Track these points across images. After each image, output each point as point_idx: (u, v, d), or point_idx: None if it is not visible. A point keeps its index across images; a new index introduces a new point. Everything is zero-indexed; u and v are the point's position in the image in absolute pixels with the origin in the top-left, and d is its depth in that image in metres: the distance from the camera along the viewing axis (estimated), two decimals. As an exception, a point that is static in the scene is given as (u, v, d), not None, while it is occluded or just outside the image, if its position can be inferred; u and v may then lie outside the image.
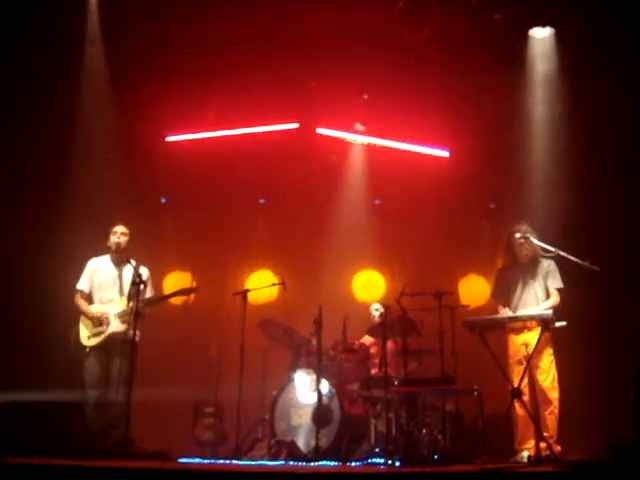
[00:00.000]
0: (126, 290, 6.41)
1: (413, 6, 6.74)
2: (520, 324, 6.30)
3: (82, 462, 4.77)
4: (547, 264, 6.46)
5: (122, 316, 6.32)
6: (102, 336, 6.30)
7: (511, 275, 6.58)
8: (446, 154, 8.36)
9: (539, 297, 6.42)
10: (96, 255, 6.62)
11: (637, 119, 7.14)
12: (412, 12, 6.76)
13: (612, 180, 7.48)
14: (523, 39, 7.41)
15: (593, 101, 7.20)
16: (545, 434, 6.04)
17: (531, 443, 6.21)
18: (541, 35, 7.32)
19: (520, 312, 6.33)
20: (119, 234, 6.50)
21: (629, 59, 6.97)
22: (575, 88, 7.31)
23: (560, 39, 7.28)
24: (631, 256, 7.29)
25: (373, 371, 6.86)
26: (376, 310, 7.25)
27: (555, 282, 6.43)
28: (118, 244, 6.47)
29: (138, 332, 6.05)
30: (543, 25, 7.20)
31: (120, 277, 6.49)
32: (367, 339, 7.10)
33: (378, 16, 7.13)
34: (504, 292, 6.59)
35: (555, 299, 6.38)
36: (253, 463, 6.04)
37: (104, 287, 6.48)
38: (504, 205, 8.31)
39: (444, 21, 6.95)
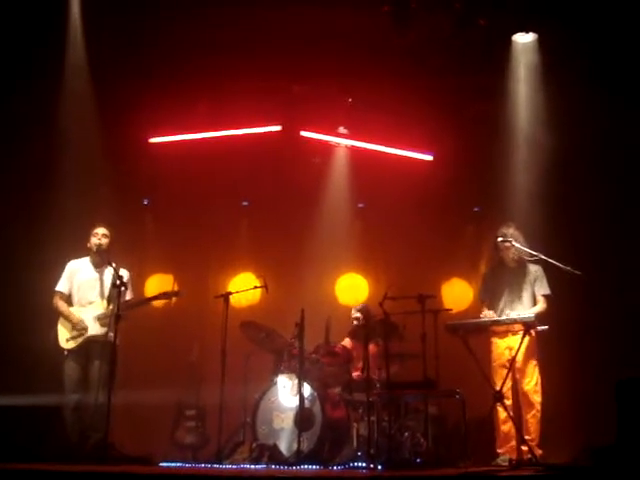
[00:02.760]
0: (106, 292, 6.36)
1: (398, 10, 6.75)
2: (504, 328, 6.32)
3: (61, 466, 4.74)
4: (535, 269, 6.46)
5: (102, 319, 6.27)
6: (81, 339, 6.25)
7: (498, 278, 6.59)
8: (430, 158, 8.38)
9: (526, 302, 6.43)
10: (76, 257, 6.57)
11: (620, 123, 7.19)
12: (397, 16, 6.77)
13: (596, 184, 7.53)
14: (506, 44, 7.44)
15: (575, 105, 7.25)
16: (527, 437, 6.06)
17: (513, 446, 6.22)
18: (524, 40, 7.36)
19: (503, 316, 6.35)
20: (100, 235, 6.45)
21: (612, 65, 7.03)
22: (558, 93, 7.35)
23: (543, 45, 7.33)
24: (615, 261, 7.34)
25: (355, 374, 6.85)
26: (356, 312, 7.23)
27: (542, 288, 6.43)
28: (99, 245, 6.42)
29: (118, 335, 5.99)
30: (526, 31, 7.23)
31: (100, 279, 6.45)
32: (348, 342, 7.09)
33: (363, 20, 7.13)
34: (490, 294, 6.60)
35: (542, 305, 6.39)
36: (235, 467, 6.01)
37: (84, 289, 6.43)
38: (488, 208, 8.34)
39: (429, 26, 6.96)
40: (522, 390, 6.30)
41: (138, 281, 7.70)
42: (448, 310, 6.73)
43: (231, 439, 6.72)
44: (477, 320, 6.34)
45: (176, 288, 6.66)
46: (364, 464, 5.73)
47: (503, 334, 6.37)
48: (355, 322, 7.17)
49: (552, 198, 7.50)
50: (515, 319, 6.13)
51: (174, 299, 6.80)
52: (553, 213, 7.41)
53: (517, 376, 6.30)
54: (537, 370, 6.32)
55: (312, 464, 5.82)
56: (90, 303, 6.39)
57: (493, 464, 6.06)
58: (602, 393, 5.89)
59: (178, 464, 6.22)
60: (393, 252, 8.46)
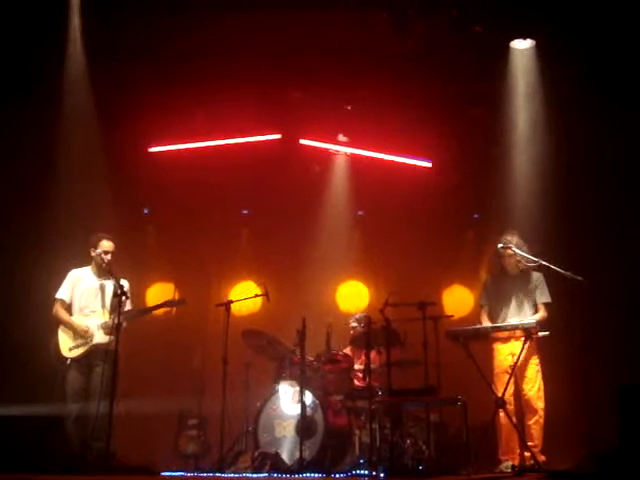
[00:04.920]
0: (108, 302, 6.36)
1: (396, 18, 6.78)
2: (506, 334, 6.31)
3: (63, 477, 4.73)
4: (536, 277, 6.46)
5: (105, 328, 6.27)
6: (85, 347, 6.25)
7: (499, 285, 6.59)
8: (428, 164, 8.39)
9: (526, 309, 6.43)
10: (78, 266, 6.57)
11: (619, 128, 7.20)
12: (395, 24, 6.80)
13: (596, 190, 7.54)
14: (505, 51, 7.47)
15: (574, 112, 7.27)
16: (530, 444, 6.05)
17: (515, 453, 6.21)
18: (522, 47, 7.39)
19: (504, 323, 6.35)
20: (110, 252, 6.41)
21: (610, 71, 7.05)
22: (556, 99, 7.38)
23: (541, 51, 7.35)
24: (616, 267, 7.34)
25: (357, 382, 6.84)
26: (354, 322, 7.25)
27: (543, 296, 6.43)
28: (109, 261, 6.39)
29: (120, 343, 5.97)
30: (524, 37, 7.26)
31: (102, 289, 6.44)
32: (349, 350, 7.08)
33: (362, 28, 7.15)
34: (491, 301, 6.60)
35: (542, 314, 6.38)
36: (237, 476, 6.00)
37: (85, 298, 6.42)
38: (488, 215, 8.34)
39: (427, 33, 6.99)
40: (525, 396, 6.29)
41: (139, 290, 7.71)
42: (449, 317, 6.73)
43: (233, 448, 6.71)
44: (478, 327, 6.34)
45: (178, 297, 6.65)
46: (366, 472, 5.72)
47: (505, 340, 6.36)
48: (352, 331, 7.18)
49: (552, 204, 7.51)
50: (516, 325, 6.14)
51: (175, 308, 6.82)
52: (553, 219, 7.41)
53: (519, 382, 6.30)
54: (539, 376, 6.32)
55: (314, 472, 5.80)
56: (93, 312, 6.38)
57: (496, 471, 6.06)
58: (605, 399, 5.88)
59: (180, 473, 6.21)
60: (393, 259, 8.47)
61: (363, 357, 6.62)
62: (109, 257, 6.41)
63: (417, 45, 6.94)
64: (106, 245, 6.44)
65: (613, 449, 4.82)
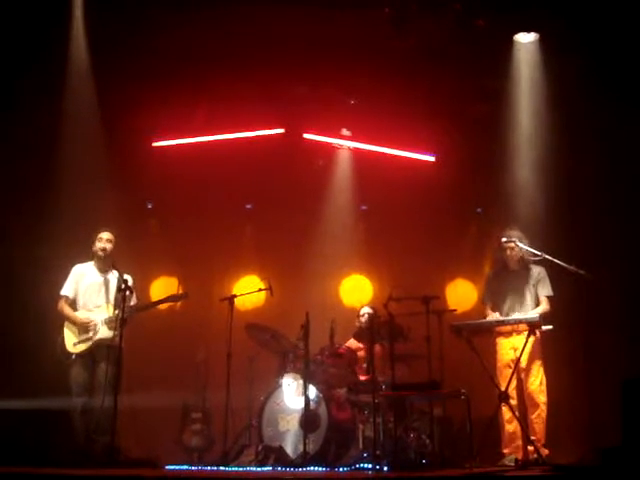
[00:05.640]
0: (112, 297, 6.38)
1: (399, 13, 6.76)
2: (509, 328, 6.32)
3: (68, 470, 4.75)
4: (538, 271, 6.47)
5: (109, 322, 6.29)
6: (89, 343, 6.27)
7: (501, 280, 6.59)
8: (432, 159, 8.38)
9: (528, 303, 6.44)
10: (81, 262, 6.59)
11: (623, 122, 7.18)
12: (398, 19, 6.78)
13: (599, 184, 7.52)
14: (508, 45, 7.44)
15: (578, 105, 7.25)
16: (533, 438, 6.06)
17: (519, 447, 6.22)
18: (526, 40, 7.37)
19: (507, 317, 6.35)
20: (105, 240, 6.48)
21: (615, 64, 7.02)
22: (560, 93, 7.36)
23: (545, 44, 7.32)
24: (618, 260, 7.33)
25: (360, 376, 6.85)
26: (367, 314, 7.24)
27: (545, 290, 6.44)
28: (104, 250, 6.44)
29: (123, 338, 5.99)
30: (528, 31, 7.24)
31: (105, 284, 6.46)
32: (352, 343, 7.09)
33: (365, 22, 7.14)
34: (494, 297, 6.60)
35: (545, 307, 6.39)
36: (241, 469, 6.02)
37: (89, 293, 6.44)
38: (491, 209, 8.34)
39: (430, 27, 6.97)
40: (527, 390, 6.30)
41: (143, 284, 7.73)
42: (452, 311, 6.73)
43: (237, 441, 6.73)
44: (482, 321, 6.34)
45: (182, 291, 6.67)
46: (370, 465, 5.72)
47: (508, 334, 6.37)
48: (363, 319, 7.17)
49: (555, 198, 7.50)
50: (520, 319, 6.14)
51: (179, 302, 6.84)
52: (556, 213, 7.40)
53: (522, 376, 6.30)
54: (542, 370, 6.32)
55: (318, 466, 5.82)
56: (97, 307, 6.40)
57: (499, 464, 6.06)
58: (608, 393, 5.89)
59: (184, 467, 6.23)
60: (397, 253, 8.47)
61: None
62: (110, 246, 6.44)
63: (419, 42, 6.93)
64: (105, 235, 6.48)
65: (617, 443, 4.83)
